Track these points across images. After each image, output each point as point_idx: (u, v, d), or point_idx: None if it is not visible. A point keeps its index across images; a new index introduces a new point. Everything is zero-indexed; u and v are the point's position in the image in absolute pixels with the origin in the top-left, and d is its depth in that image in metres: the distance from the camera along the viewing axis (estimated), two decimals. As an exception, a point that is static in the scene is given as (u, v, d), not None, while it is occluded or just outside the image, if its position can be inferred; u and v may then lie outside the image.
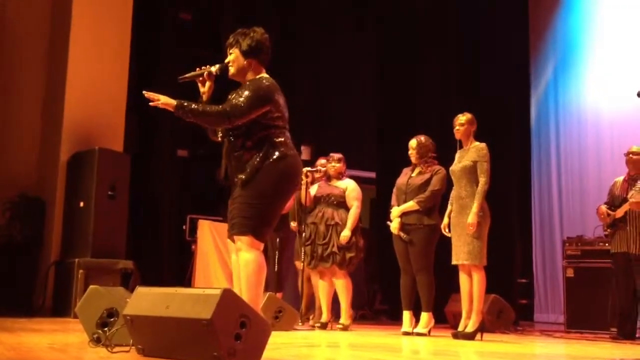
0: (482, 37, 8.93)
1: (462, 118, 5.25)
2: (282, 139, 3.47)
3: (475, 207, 4.98)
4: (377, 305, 9.12)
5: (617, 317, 5.71)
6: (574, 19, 8.63)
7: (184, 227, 7.32)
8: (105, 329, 3.31)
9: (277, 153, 3.42)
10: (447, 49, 9.00)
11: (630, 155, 5.69)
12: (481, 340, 5.03)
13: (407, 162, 5.68)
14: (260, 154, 3.40)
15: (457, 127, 5.26)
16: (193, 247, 7.15)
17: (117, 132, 6.70)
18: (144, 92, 3.43)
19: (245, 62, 3.54)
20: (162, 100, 3.39)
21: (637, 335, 5.68)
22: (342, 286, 5.86)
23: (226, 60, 3.57)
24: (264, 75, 3.55)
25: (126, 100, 6.79)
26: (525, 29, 9.17)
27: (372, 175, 9.30)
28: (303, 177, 5.73)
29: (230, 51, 3.58)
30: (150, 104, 3.41)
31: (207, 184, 8.14)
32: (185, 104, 3.38)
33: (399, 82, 9.22)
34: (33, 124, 6.80)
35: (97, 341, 3.30)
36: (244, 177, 3.41)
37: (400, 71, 9.19)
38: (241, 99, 3.39)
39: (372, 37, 9.49)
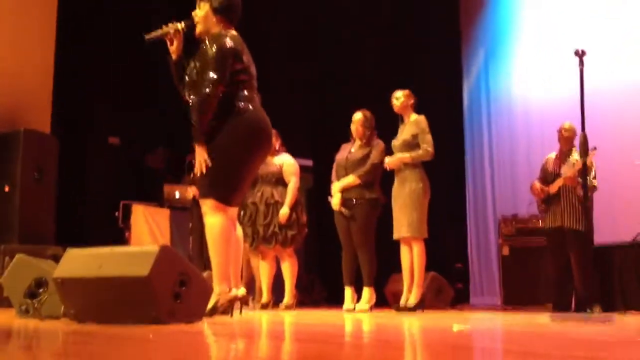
0: (415, 24, 9.00)
1: (399, 92, 5.27)
2: (245, 93, 3.32)
3: (407, 156, 4.98)
4: (315, 294, 9.05)
5: (553, 292, 5.81)
6: (503, 8, 8.80)
7: (116, 213, 7.07)
8: (35, 299, 3.12)
9: (236, 108, 3.27)
10: (381, 35, 9.04)
11: (563, 132, 5.81)
12: (423, 313, 5.02)
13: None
14: (218, 111, 3.25)
15: (394, 102, 5.26)
16: (127, 233, 6.91)
17: (44, 113, 6.39)
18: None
19: (214, 20, 3.41)
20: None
21: (572, 308, 5.79)
22: (287, 267, 5.75)
23: (193, 14, 3.43)
24: (227, 31, 3.39)
25: (53, 81, 6.48)
26: (456, 17, 9.29)
27: (309, 163, 9.20)
28: None
29: (200, 4, 3.43)
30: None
31: (140, 171, 7.94)
32: (194, 133, 3.27)
33: (332, 69, 9.24)
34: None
35: (25, 312, 3.11)
36: (200, 136, 3.28)
37: (332, 58, 9.21)
38: (210, 70, 3.25)
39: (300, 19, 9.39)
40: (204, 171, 3.24)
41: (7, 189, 5.94)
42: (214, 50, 3.28)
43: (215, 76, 3.23)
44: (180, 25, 3.44)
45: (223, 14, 3.42)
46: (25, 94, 6.26)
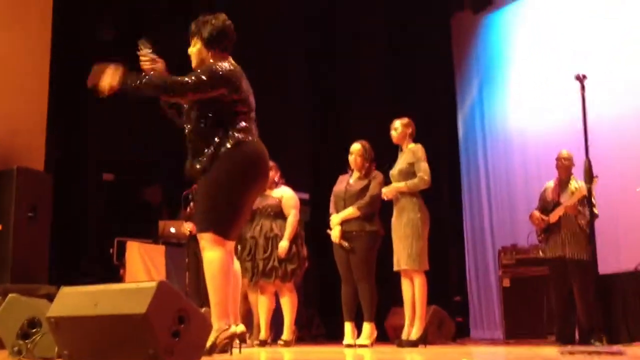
0: (408, 57, 9.04)
1: (397, 122, 5.25)
2: (243, 124, 3.24)
3: (402, 185, 4.91)
4: (314, 330, 8.91)
5: (555, 323, 5.71)
6: (494, 38, 8.85)
7: (110, 250, 6.97)
8: (27, 340, 3.02)
9: (233, 139, 3.18)
10: (375, 70, 9.10)
11: (562, 160, 5.76)
12: (425, 348, 4.92)
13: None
14: (216, 141, 3.18)
15: (392, 132, 5.24)
16: (121, 271, 6.80)
17: (38, 151, 6.31)
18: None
19: (207, 53, 3.36)
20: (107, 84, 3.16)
21: (576, 340, 5.68)
22: (287, 302, 5.63)
23: (189, 51, 3.39)
24: (228, 60, 3.34)
25: (47, 118, 6.43)
26: (448, 49, 9.34)
27: (305, 196, 9.14)
28: None
29: (192, 41, 3.39)
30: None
31: (135, 208, 7.86)
32: (129, 81, 3.14)
33: (329, 102, 9.30)
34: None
35: (18, 354, 3.00)
36: (199, 167, 3.20)
37: (329, 91, 9.26)
38: (191, 77, 3.16)
39: (302, 52, 9.44)
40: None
41: (0, 227, 5.85)
42: (204, 69, 3.23)
43: (188, 82, 3.14)
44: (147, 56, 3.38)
45: (215, 45, 3.37)
46: (19, 131, 6.21)
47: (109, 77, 3.16)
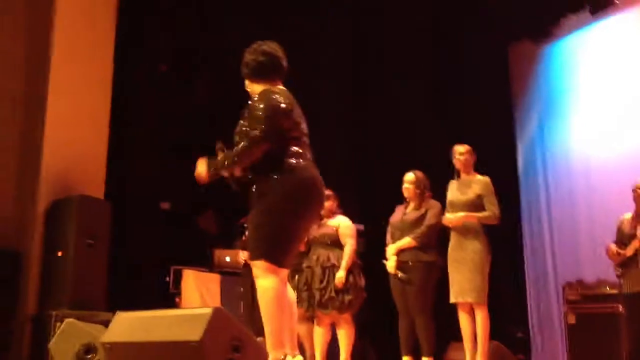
0: (465, 87, 8.90)
1: (462, 148, 5.13)
2: (295, 149, 3.20)
3: (473, 215, 4.78)
4: (369, 360, 8.73)
5: (630, 363, 5.42)
6: (556, 69, 8.66)
7: (167, 278, 6.99)
8: (83, 365, 3.00)
9: (286, 165, 3.14)
10: (430, 96, 8.99)
11: (639, 191, 5.50)
12: (487, 385, 4.72)
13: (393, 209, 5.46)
14: (268, 169, 3.14)
15: (457, 157, 5.12)
16: (177, 299, 6.80)
17: (98, 178, 6.42)
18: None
19: (254, 85, 3.37)
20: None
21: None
22: (344, 334, 5.52)
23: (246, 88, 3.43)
24: (274, 87, 3.32)
25: (107, 147, 6.55)
26: (506, 81, 9.19)
27: (361, 227, 9.03)
28: None
29: (243, 73, 3.45)
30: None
31: (191, 237, 7.90)
32: (219, 165, 3.24)
33: (380, 133, 9.20)
34: (8, 173, 6.50)
35: (73, 379, 2.98)
36: (252, 196, 3.18)
37: (381, 121, 9.20)
38: (254, 133, 3.14)
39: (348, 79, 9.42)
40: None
41: (59, 254, 5.95)
42: (261, 106, 3.20)
43: (257, 132, 3.13)
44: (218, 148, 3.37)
45: (254, 78, 3.38)
46: (80, 159, 6.33)
47: (198, 169, 3.35)
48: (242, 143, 3.17)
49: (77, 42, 6.48)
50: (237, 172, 3.30)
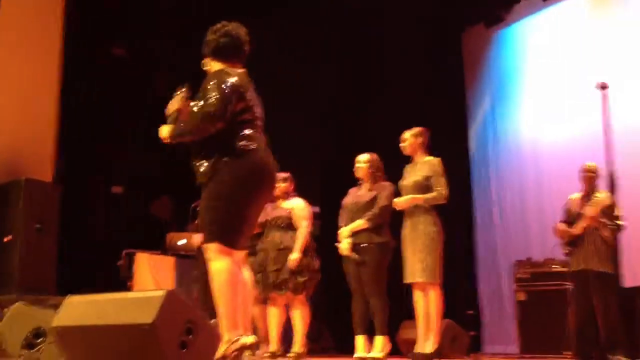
0: (419, 74, 8.98)
1: (406, 134, 5.17)
2: (247, 132, 3.18)
3: (419, 197, 4.84)
4: (323, 343, 8.80)
5: (575, 338, 5.56)
6: (507, 53, 8.79)
7: (119, 262, 6.89)
8: (32, 350, 2.95)
9: (238, 148, 3.12)
10: (384, 83, 9.07)
11: (587, 172, 5.61)
12: (439, 362, 4.81)
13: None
14: (218, 151, 3.12)
15: (401, 144, 5.16)
16: (129, 283, 6.71)
17: (46, 162, 6.29)
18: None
19: (214, 64, 3.35)
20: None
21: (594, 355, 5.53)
22: (298, 315, 5.53)
23: (203, 62, 3.40)
24: (230, 69, 3.29)
25: (56, 129, 6.40)
26: (459, 63, 9.29)
27: (316, 209, 9.05)
28: None
29: (205, 56, 3.41)
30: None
31: (144, 220, 7.80)
32: (174, 133, 3.23)
33: (339, 115, 9.28)
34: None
35: (23, 365, 2.92)
36: (200, 177, 3.15)
37: (339, 104, 9.22)
38: (206, 110, 3.11)
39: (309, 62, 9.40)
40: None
41: (6, 239, 5.81)
42: (214, 85, 3.17)
43: (211, 109, 3.10)
44: (182, 94, 3.36)
45: (215, 57, 3.37)
46: (28, 142, 6.19)
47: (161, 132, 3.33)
48: (194, 117, 3.16)
49: (25, 20, 6.30)
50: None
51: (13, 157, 6.10)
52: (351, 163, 5.58)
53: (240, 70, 3.36)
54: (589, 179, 5.56)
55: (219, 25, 3.43)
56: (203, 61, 3.43)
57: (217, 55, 3.36)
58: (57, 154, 6.48)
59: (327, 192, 8.76)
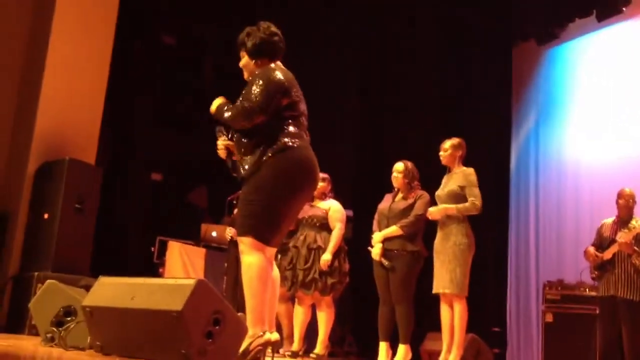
0: (466, 81, 8.94)
1: (447, 143, 5.13)
2: (292, 129, 3.19)
3: (453, 207, 4.82)
4: (346, 347, 8.80)
5: (601, 364, 5.48)
6: (557, 72, 8.70)
7: (152, 248, 7.01)
8: (61, 328, 3.02)
9: (280, 144, 3.13)
10: (429, 89, 9.02)
11: (624, 198, 5.52)
12: (461, 376, 4.78)
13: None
14: (262, 147, 3.13)
15: (441, 153, 5.14)
16: (160, 269, 6.82)
17: (90, 144, 6.39)
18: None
19: (253, 64, 3.36)
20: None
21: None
22: (324, 316, 5.51)
23: (240, 65, 3.42)
24: (275, 65, 3.32)
25: (102, 114, 6.53)
26: (508, 80, 9.22)
27: (349, 213, 9.06)
28: None
29: (241, 53, 3.42)
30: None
31: (179, 208, 7.91)
32: (219, 110, 3.28)
33: (377, 121, 9.26)
34: (3, 135, 6.48)
35: (50, 340, 3.00)
36: (243, 173, 3.17)
37: (378, 110, 9.22)
38: (254, 95, 3.14)
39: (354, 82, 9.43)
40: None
41: (46, 216, 5.94)
42: (260, 82, 3.19)
43: (254, 103, 3.12)
44: (224, 142, 3.38)
45: (259, 56, 3.37)
46: (74, 124, 6.30)
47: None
48: (238, 106, 3.18)
49: (84, 8, 6.45)
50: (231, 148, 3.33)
51: (60, 137, 6.23)
52: (384, 168, 5.57)
53: (283, 67, 3.39)
54: (626, 206, 5.47)
55: (261, 24, 3.44)
56: (242, 61, 3.42)
57: (261, 54, 3.36)
58: (101, 138, 6.60)
59: (359, 197, 8.77)
